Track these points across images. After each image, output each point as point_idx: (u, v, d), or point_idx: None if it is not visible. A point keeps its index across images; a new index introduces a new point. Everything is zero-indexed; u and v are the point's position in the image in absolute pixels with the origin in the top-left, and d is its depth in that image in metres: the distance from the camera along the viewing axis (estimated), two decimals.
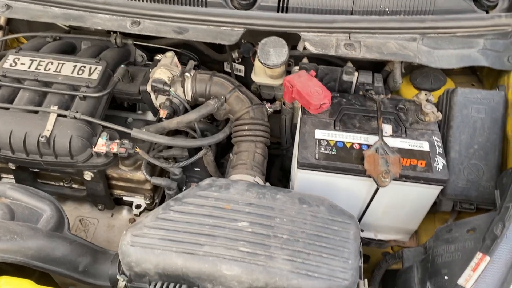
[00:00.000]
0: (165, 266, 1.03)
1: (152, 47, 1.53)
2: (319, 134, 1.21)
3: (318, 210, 1.10)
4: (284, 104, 1.43)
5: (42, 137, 1.19)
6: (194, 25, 1.29)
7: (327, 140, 1.19)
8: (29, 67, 1.31)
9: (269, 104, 1.40)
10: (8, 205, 1.17)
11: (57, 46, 1.44)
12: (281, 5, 1.29)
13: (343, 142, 1.19)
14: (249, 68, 1.69)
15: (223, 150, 1.62)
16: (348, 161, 1.15)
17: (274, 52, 1.30)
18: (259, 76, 1.44)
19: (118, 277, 1.09)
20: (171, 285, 1.01)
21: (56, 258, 1.12)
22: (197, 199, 1.10)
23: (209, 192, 1.12)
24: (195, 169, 1.44)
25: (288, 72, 1.45)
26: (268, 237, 1.06)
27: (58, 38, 1.49)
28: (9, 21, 1.76)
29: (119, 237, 1.44)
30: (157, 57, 1.48)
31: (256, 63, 1.42)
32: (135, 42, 1.47)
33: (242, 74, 1.71)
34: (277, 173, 1.63)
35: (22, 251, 1.08)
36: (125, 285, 1.08)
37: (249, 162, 1.26)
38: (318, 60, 1.39)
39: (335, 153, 1.17)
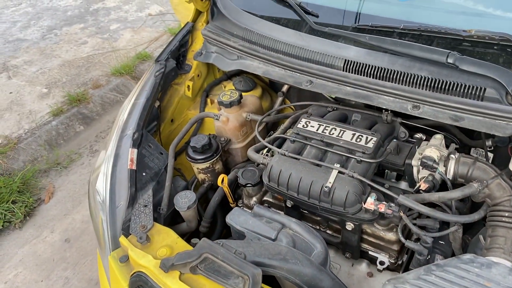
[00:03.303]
0: None
1: (412, 126, 1.74)
2: None
3: None
4: None
5: (325, 187, 1.47)
6: (469, 115, 1.45)
7: None
8: (317, 130, 1.65)
9: None
10: (292, 235, 1.47)
11: (336, 115, 1.76)
12: None
13: None
14: (498, 157, 1.76)
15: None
16: None
17: None
18: None
19: None
20: None
21: None
22: (458, 270, 1.22)
23: (470, 267, 1.22)
24: (440, 241, 1.55)
25: None
26: None
27: (335, 108, 1.82)
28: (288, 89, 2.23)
29: (357, 285, 1.64)
30: (417, 135, 1.68)
31: None
32: (402, 121, 1.70)
33: (490, 162, 1.79)
34: None
35: (300, 275, 1.34)
36: None
37: (506, 248, 1.32)
38: None
39: None
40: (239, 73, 2.36)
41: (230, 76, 2.38)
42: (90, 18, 6.16)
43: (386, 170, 1.73)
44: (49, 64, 5.15)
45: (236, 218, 1.53)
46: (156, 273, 1.44)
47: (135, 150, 1.75)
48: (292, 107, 2.30)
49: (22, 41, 5.67)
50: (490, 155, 1.78)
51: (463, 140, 1.78)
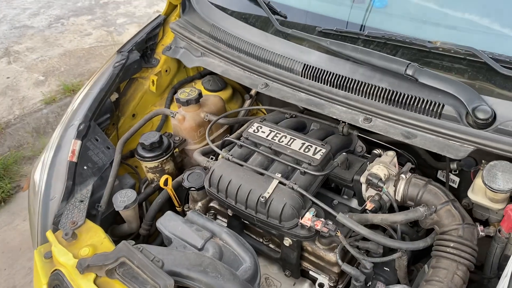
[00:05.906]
0: None
1: (371, 141, 1.62)
2: None
3: None
4: (499, 231, 1.32)
5: (262, 198, 1.37)
6: (423, 133, 1.33)
7: None
8: (267, 136, 1.55)
9: (481, 227, 1.31)
10: (220, 246, 1.36)
11: (292, 123, 1.65)
12: None
13: None
14: (464, 182, 1.63)
15: (416, 257, 1.56)
16: None
17: (502, 177, 1.23)
18: (477, 195, 1.37)
19: None
20: None
21: None
22: None
23: None
24: (385, 268, 1.43)
25: None
26: None
27: (294, 116, 1.72)
28: (257, 93, 2.12)
29: None
30: (375, 151, 1.56)
31: (477, 181, 1.36)
32: (359, 134, 1.58)
33: (455, 186, 1.65)
34: None
35: None
36: None
37: (446, 282, 1.19)
38: None
39: None
40: (212, 72, 2.26)
41: (203, 74, 2.29)
42: (99, 10, 6.16)
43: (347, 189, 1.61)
44: (50, 53, 5.15)
45: (166, 222, 1.43)
46: (72, 273, 1.35)
47: (78, 142, 1.67)
48: (264, 110, 2.19)
49: (28, 28, 5.69)
50: (456, 179, 1.65)
51: (427, 160, 1.65)
